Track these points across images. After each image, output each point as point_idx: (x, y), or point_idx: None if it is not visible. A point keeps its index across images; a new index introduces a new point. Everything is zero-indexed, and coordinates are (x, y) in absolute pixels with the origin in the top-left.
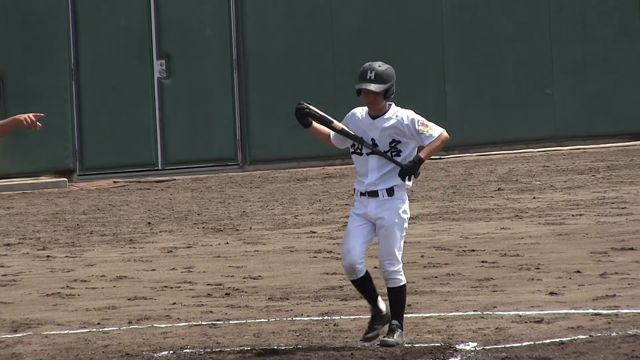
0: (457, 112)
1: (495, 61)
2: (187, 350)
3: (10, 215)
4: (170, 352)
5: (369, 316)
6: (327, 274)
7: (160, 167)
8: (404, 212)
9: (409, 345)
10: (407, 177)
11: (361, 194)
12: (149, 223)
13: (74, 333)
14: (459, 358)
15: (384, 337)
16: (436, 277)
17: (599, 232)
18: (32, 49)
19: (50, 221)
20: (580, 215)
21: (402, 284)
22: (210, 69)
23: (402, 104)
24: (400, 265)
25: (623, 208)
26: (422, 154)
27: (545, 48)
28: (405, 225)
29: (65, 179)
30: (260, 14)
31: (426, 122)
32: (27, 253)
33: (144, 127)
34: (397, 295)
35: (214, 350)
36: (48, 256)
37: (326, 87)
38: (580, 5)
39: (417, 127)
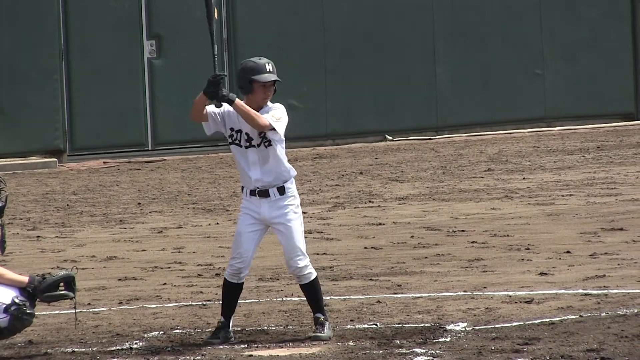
0: (447, 92)
1: (486, 42)
2: (178, 331)
3: None
4: (161, 332)
5: (215, 327)
6: (317, 254)
7: (150, 148)
8: (297, 207)
9: (400, 325)
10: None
11: (251, 192)
12: (139, 203)
13: (65, 313)
14: (449, 338)
15: (314, 332)
16: (426, 257)
17: (589, 213)
18: (22, 30)
19: (40, 201)
20: (570, 195)
21: (314, 277)
22: (201, 49)
23: (392, 86)
24: (308, 259)
25: (613, 188)
26: (237, 100)
27: (535, 30)
28: (301, 219)
29: (55, 159)
30: None
31: (281, 115)
32: (17, 233)
33: (134, 107)
34: (313, 289)
35: (204, 330)
36: (38, 236)
37: (316, 68)
38: None
39: (270, 113)
